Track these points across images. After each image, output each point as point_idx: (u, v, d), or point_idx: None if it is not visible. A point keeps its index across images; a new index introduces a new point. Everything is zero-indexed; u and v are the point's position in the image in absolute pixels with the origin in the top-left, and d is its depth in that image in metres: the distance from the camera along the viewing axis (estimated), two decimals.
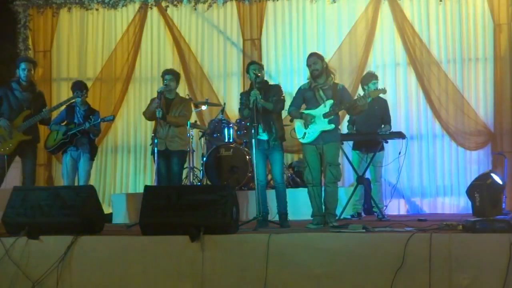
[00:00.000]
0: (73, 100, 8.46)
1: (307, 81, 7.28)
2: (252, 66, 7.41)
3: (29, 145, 7.95)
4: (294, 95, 7.50)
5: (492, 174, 7.57)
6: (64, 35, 11.21)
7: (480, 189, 7.34)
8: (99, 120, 8.44)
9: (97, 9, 11.12)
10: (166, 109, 7.95)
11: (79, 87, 8.50)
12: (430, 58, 10.16)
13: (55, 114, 8.79)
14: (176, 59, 10.90)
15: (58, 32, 11.19)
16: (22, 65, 7.95)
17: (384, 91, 7.60)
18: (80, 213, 6.20)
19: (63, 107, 8.61)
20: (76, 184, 8.50)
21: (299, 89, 7.36)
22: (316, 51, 7.51)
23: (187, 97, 9.27)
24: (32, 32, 11.14)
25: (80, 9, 11.14)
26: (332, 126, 7.05)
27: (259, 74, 7.29)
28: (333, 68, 7.36)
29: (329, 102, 7.06)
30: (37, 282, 5.85)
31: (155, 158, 7.86)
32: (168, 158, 8.02)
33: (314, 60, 7.14)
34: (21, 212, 6.27)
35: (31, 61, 8.26)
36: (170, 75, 8.07)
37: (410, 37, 10.23)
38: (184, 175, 8.90)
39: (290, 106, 7.36)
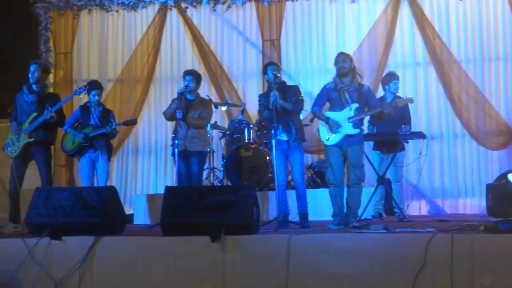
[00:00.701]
0: (74, 96, 8.46)
1: (332, 80, 7.24)
2: (271, 66, 7.39)
3: (39, 147, 7.91)
4: (318, 93, 7.42)
5: (510, 174, 7.48)
6: (84, 37, 11.26)
7: (493, 190, 7.28)
8: (120, 123, 8.46)
9: (117, 11, 11.16)
10: (186, 110, 7.93)
11: (92, 87, 8.46)
12: (451, 57, 10.09)
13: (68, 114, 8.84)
14: (196, 59, 10.91)
15: (79, 34, 11.24)
16: (30, 68, 7.97)
17: (411, 100, 7.57)
18: (102, 213, 6.24)
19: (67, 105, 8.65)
20: (95, 185, 8.54)
21: (324, 87, 7.29)
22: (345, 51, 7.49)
23: (206, 98, 9.28)
24: (53, 34, 11.21)
25: (100, 11, 11.18)
26: (357, 130, 7.03)
27: (278, 75, 7.29)
28: (359, 70, 7.30)
29: (354, 105, 7.01)
30: (60, 282, 5.90)
31: (176, 159, 7.88)
32: (188, 159, 8.04)
33: (343, 58, 7.09)
34: (43, 212, 6.33)
35: (39, 63, 8.22)
36: (191, 76, 8.07)
37: (430, 36, 10.17)
38: (204, 176, 8.92)
39: (314, 105, 7.31)
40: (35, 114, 7.85)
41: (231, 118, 10.41)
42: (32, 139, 7.81)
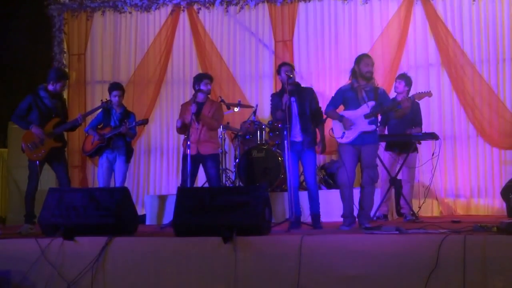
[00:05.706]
0: (101, 107, 8.56)
1: (348, 83, 7.22)
2: (285, 67, 7.39)
3: (59, 151, 8.09)
4: (332, 95, 7.42)
5: None
6: (98, 38, 11.32)
7: None
8: (134, 124, 8.50)
9: (130, 12, 11.20)
10: (198, 112, 7.99)
11: (114, 88, 8.58)
12: (464, 58, 10.02)
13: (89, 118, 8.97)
14: (207, 61, 10.91)
15: (92, 35, 11.31)
16: (62, 83, 8.10)
17: (429, 94, 7.50)
18: (115, 214, 6.28)
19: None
20: (111, 185, 8.58)
21: (340, 89, 7.28)
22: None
23: (219, 99, 9.29)
24: (66, 36, 11.28)
25: (114, 13, 11.23)
26: (373, 127, 7.01)
27: (291, 75, 7.28)
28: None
29: (371, 103, 7.00)
30: (72, 283, 5.93)
31: (186, 161, 7.86)
32: (199, 163, 8.07)
33: (372, 62, 7.09)
34: (56, 213, 6.37)
35: (68, 78, 8.56)
36: (208, 79, 8.20)
37: (443, 37, 10.12)
38: None
39: (328, 105, 7.29)
40: (57, 119, 8.00)
41: (237, 120, 10.41)
42: (60, 144, 8.03)
